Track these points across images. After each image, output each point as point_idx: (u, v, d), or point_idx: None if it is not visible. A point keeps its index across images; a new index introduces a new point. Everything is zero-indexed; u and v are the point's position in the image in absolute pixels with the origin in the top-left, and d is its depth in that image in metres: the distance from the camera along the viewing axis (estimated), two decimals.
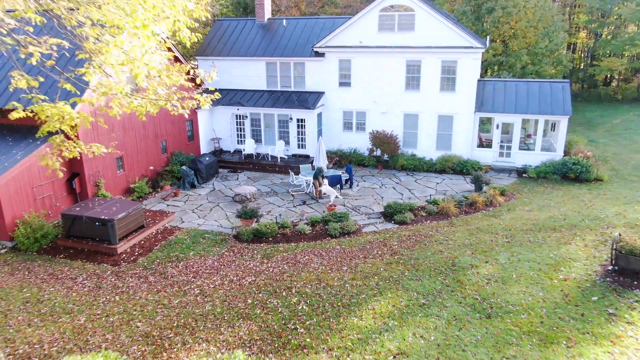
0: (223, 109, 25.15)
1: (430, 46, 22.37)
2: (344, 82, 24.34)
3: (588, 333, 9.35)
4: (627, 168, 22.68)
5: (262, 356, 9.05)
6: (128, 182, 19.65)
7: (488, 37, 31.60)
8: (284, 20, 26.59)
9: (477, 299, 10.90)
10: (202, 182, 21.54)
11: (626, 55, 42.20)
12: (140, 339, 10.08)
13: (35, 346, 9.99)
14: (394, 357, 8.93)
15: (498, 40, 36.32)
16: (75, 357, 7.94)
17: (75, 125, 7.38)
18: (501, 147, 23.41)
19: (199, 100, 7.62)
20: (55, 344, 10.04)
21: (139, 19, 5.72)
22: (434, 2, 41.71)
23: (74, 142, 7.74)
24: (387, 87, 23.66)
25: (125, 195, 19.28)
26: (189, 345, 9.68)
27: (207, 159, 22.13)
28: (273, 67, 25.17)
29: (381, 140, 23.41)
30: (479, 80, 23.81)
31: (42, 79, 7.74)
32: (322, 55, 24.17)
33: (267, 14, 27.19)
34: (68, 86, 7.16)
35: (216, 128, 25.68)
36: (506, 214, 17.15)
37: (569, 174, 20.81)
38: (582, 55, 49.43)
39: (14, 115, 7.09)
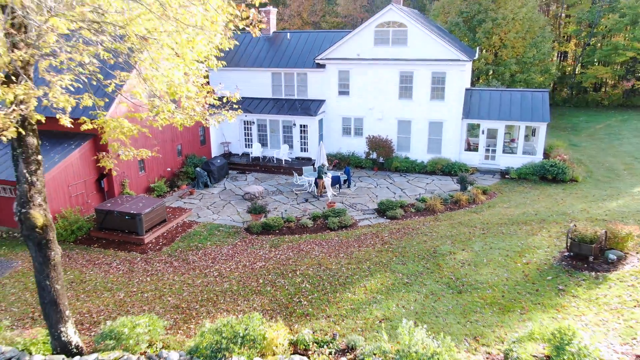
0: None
1: (421, 59, 24.42)
2: (343, 91, 26.40)
3: (539, 304, 11.35)
4: (601, 170, 24.66)
5: (274, 319, 11.09)
6: (148, 182, 21.72)
7: (478, 48, 33.66)
8: (288, 34, 28.69)
9: (452, 278, 12.91)
10: (214, 182, 23.60)
11: (612, 63, 44.12)
12: (172, 309, 12.13)
13: (85, 315, 12.05)
14: (380, 321, 10.94)
15: (489, 50, 38.40)
16: (124, 318, 9.94)
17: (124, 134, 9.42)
18: (486, 150, 25.42)
19: (226, 116, 9.66)
20: (102, 313, 12.10)
21: (188, 59, 7.75)
22: (429, 14, 43.82)
23: (128, 147, 9.76)
24: (382, 95, 25.71)
25: (147, 194, 21.34)
26: (212, 314, 11.71)
27: (218, 161, 24.19)
28: (278, 77, 27.25)
29: (377, 144, 25.45)
30: (466, 90, 25.87)
31: (107, 100, 9.79)
32: (323, 66, 26.24)
33: (272, 28, 29.28)
34: (124, 105, 9.22)
35: (226, 133, 27.75)
36: (486, 210, 19.15)
37: (547, 175, 22.81)
38: (572, 63, 51.37)
39: (83, 127, 9.13)
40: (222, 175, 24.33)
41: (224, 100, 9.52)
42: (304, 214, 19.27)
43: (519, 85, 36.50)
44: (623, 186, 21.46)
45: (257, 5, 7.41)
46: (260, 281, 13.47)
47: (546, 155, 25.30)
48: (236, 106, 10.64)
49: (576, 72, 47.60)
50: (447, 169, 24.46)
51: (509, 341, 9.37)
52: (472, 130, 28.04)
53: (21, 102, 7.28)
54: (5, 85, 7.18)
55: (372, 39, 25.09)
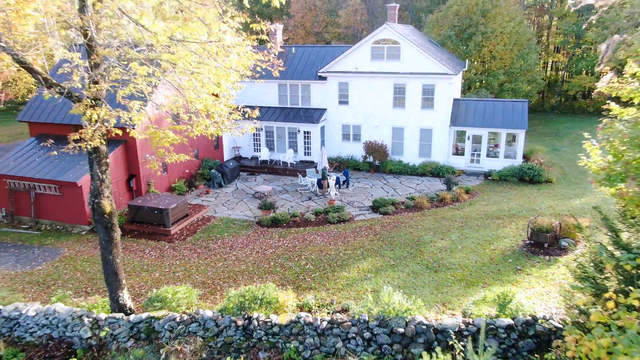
0: (242, 122, 29.85)
1: (413, 72, 26.99)
2: (343, 101, 28.99)
3: (499, 280, 13.88)
4: (575, 172, 27.12)
5: (284, 288, 13.65)
6: (170, 182, 24.33)
7: (467, 60, 36.21)
8: (293, 49, 31.30)
9: (430, 261, 15.44)
10: (227, 182, 26.18)
11: (597, 72, 46.61)
12: (200, 284, 14.69)
13: (129, 289, 14.60)
14: (369, 292, 13.46)
15: (478, 61, 40.95)
16: (167, 287, 12.50)
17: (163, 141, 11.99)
18: (472, 154, 27.94)
19: (248, 128, 12.22)
20: (143, 288, 14.68)
21: (222, 87, 10.32)
22: (425, 26, 46.41)
23: (171, 153, 12.33)
24: (378, 105, 28.28)
25: (169, 192, 23.92)
26: (234, 287, 14.26)
27: (231, 164, 26.79)
28: (284, 88, 29.86)
29: (373, 149, 28.01)
30: (454, 100, 28.41)
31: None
32: (324, 78, 28.84)
33: (279, 42, 31.90)
34: (169, 119, 11.83)
35: (237, 138, 30.36)
36: (467, 207, 21.66)
37: (525, 176, 25.30)
38: (560, 72, 53.88)
39: (137, 136, 11.70)
40: (234, 176, 26.93)
41: (246, 115, 12.07)
42: (307, 210, 21.82)
43: (507, 94, 39.01)
44: (590, 187, 23.95)
45: (277, 5, 9.55)
46: (272, 264, 16.03)
47: (526, 158, 27.80)
48: (255, 121, 13.18)
49: (564, 81, 50.10)
50: (436, 171, 26.98)
51: (467, 304, 11.90)
52: (460, 136, 30.55)
53: (103, 120, 9.90)
54: (92, 108, 9.80)
55: (368, 54, 27.68)
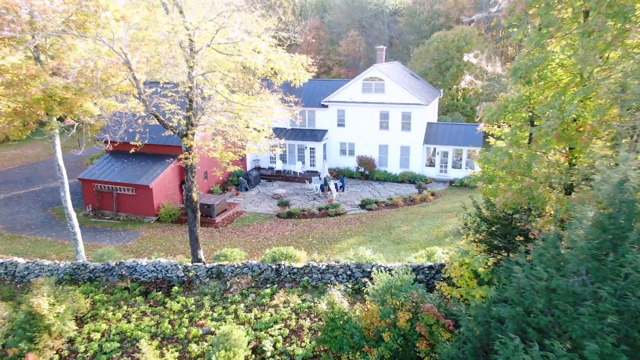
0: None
1: (394, 102, 34.18)
2: (340, 124, 36.18)
3: (437, 246, 20.82)
4: None
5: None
6: (209, 186, 31.48)
7: (442, 90, 43.45)
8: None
9: (396, 238, 22.47)
10: (251, 187, 33.32)
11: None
12: (243, 250, 21.76)
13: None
14: (353, 255, 20.49)
15: (455, 89, 48.19)
16: (225, 249, 19.50)
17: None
18: (441, 166, 35.00)
19: (277, 150, 19.35)
20: (205, 253, 21.75)
21: (265, 129, 17.46)
22: (411, 59, 53.74)
23: (230, 165, 19.41)
24: (367, 127, 35.44)
25: (210, 194, 31.02)
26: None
27: (253, 173, 33.95)
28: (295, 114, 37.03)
29: (364, 161, 35.13)
30: (428, 123, 35.55)
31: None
32: (326, 106, 36.06)
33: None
34: (230, 145, 19.02)
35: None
36: (431, 205, 28.69)
37: None
38: None
39: (209, 155, 18.84)
40: (256, 182, 34.07)
41: (273, 142, 19.19)
42: (312, 207, 28.88)
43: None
44: None
45: (298, 85, 17.07)
46: (289, 240, 23.09)
47: None
48: (281, 145, 20.33)
49: None
50: (412, 179, 34.05)
51: (410, 258, 18.94)
52: (434, 151, 37.58)
53: (196, 147, 17.08)
54: (188, 138, 16.96)
55: (360, 88, 34.93)
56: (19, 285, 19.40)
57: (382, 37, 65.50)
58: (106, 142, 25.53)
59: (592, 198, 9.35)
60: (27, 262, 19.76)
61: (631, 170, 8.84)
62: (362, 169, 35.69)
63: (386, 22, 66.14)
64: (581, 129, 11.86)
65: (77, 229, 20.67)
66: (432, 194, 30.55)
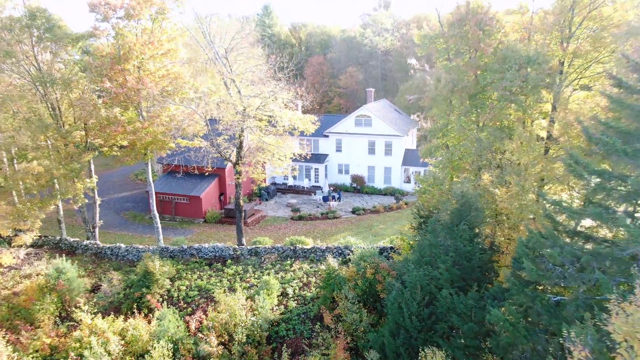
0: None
1: (379, 134, 43.37)
2: (338, 150, 45.39)
3: (399, 231, 29.85)
4: None
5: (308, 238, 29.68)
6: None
7: (419, 122, 52.78)
8: None
9: (374, 233, 31.43)
10: (270, 198, 42.41)
11: None
12: (272, 240, 30.78)
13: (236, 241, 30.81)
14: (344, 241, 29.48)
15: (433, 119, 57.35)
16: (259, 237, 28.46)
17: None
18: (415, 182, 43.97)
19: (295, 171, 28.43)
20: (245, 241, 30.85)
21: (288, 159, 26.49)
22: (399, 93, 63.15)
23: (260, 181, 28.42)
24: (359, 153, 44.61)
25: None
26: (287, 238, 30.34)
27: (271, 187, 43.10)
28: (302, 142, 46.33)
29: (356, 179, 44.23)
30: (405, 149, 44.70)
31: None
32: (327, 136, 45.32)
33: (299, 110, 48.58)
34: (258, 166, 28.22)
35: (274, 170, 46.68)
36: (403, 211, 37.62)
37: None
38: None
39: (251, 175, 27.98)
40: (273, 194, 43.19)
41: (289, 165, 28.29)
42: (316, 212, 37.88)
43: None
44: None
45: (311, 131, 26.27)
46: (300, 233, 32.06)
47: None
48: (295, 167, 29.56)
49: None
50: (393, 193, 43.02)
51: (380, 243, 27.92)
52: (409, 171, 46.55)
53: (245, 172, 26.26)
54: (239, 165, 26.15)
55: (353, 123, 44.21)
56: (121, 262, 28.46)
57: (376, 72, 75.10)
58: (169, 165, 34.95)
59: (452, 198, 18.46)
60: (127, 247, 28.90)
61: (467, 186, 18.01)
62: (354, 185, 44.73)
63: (379, 60, 75.78)
64: (462, 165, 21.05)
65: (159, 225, 29.83)
66: (406, 203, 39.50)
